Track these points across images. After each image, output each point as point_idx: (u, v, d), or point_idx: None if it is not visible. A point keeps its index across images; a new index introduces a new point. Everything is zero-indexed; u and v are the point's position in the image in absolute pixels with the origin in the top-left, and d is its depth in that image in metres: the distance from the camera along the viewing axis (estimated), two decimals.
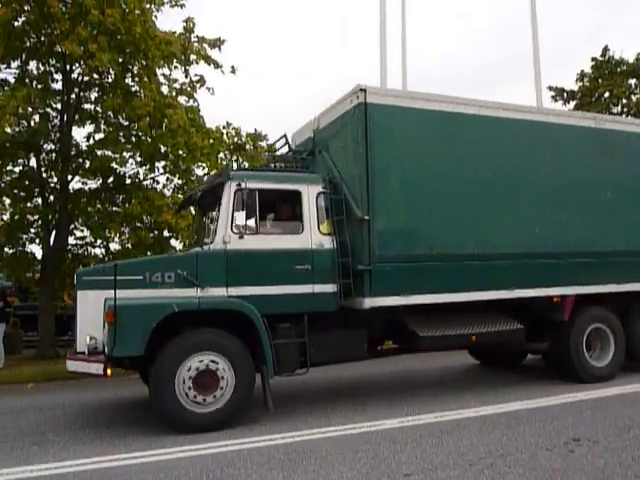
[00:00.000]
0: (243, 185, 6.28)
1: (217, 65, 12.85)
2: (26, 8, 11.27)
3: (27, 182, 12.78)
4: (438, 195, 7.08)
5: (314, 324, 6.54)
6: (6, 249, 13.27)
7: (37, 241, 13.39)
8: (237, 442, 5.32)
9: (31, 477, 4.57)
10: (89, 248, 13.78)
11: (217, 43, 12.91)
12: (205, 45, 12.78)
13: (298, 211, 6.70)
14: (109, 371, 5.76)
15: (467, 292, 7.07)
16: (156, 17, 12.25)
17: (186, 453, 5.03)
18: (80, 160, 12.73)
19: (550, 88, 21.78)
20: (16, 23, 11.27)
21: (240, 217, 6.35)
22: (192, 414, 5.73)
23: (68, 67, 12.13)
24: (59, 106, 12.50)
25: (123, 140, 12.23)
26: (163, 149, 12.11)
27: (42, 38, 11.80)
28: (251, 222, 6.44)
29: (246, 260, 6.33)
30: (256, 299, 6.15)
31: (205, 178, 12.00)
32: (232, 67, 13.05)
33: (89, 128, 12.94)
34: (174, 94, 12.64)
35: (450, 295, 6.99)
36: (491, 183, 7.40)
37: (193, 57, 12.72)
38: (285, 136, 8.28)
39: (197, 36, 12.85)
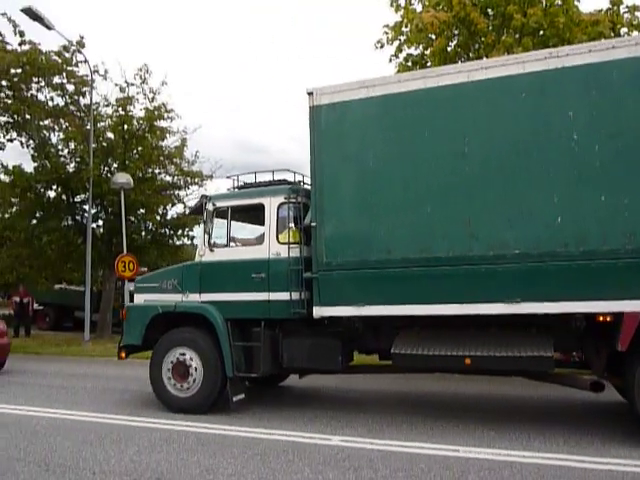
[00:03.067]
0: (218, 204, 7.28)
1: None
2: (456, 32, 12.50)
3: None
4: (398, 190, 6.08)
5: (287, 330, 6.91)
6: None
7: None
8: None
9: None
10: None
11: None
12: (638, 13, 11.42)
13: (262, 222, 7.04)
14: (123, 355, 7.54)
15: (442, 304, 5.81)
16: (578, 1, 11.66)
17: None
18: None
19: None
20: (448, 48, 12.64)
21: (215, 232, 7.27)
22: (173, 397, 7.02)
23: None
24: None
25: None
26: None
27: (470, 54, 12.85)
28: (224, 236, 7.25)
29: (214, 270, 7.15)
30: (221, 304, 6.93)
31: None
32: None
33: None
34: None
35: (418, 307, 5.93)
36: (474, 165, 5.80)
37: (624, 30, 11.54)
38: None
39: (627, 6, 11.61)
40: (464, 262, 5.75)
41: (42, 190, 17.91)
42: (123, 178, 15.18)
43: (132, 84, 17.84)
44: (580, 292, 5.38)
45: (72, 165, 18.06)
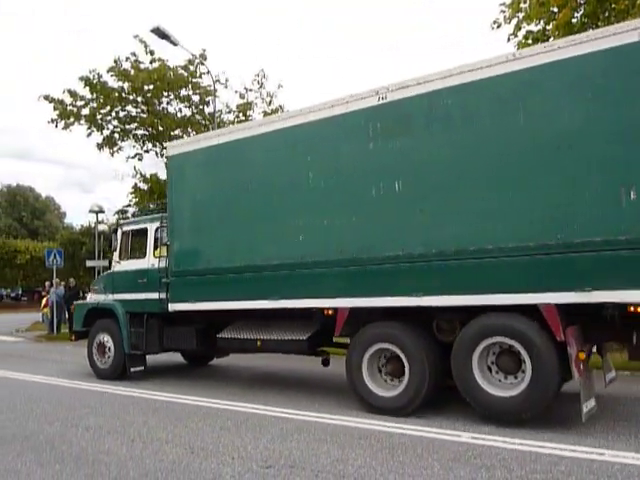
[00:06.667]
0: (124, 228, 10.16)
1: None
2: (581, 1, 11.55)
3: None
4: (216, 218, 8.24)
5: (166, 320, 9.28)
6: None
7: None
8: None
9: None
10: None
11: None
12: None
13: (147, 242, 9.64)
14: (73, 337, 10.81)
15: (240, 301, 7.86)
16: None
17: None
18: None
19: None
20: (574, 20, 11.72)
21: (121, 249, 10.09)
22: (98, 368, 9.98)
23: None
24: None
25: None
26: None
27: (599, 24, 11.81)
28: (126, 252, 10.03)
29: (120, 277, 9.97)
30: (124, 302, 9.71)
31: None
32: None
33: None
34: None
35: (228, 303, 8.01)
36: (259, 199, 7.76)
37: None
38: None
39: None
40: (249, 270, 7.78)
41: None
42: None
43: (250, 90, 18.72)
44: (314, 292, 7.19)
45: None
